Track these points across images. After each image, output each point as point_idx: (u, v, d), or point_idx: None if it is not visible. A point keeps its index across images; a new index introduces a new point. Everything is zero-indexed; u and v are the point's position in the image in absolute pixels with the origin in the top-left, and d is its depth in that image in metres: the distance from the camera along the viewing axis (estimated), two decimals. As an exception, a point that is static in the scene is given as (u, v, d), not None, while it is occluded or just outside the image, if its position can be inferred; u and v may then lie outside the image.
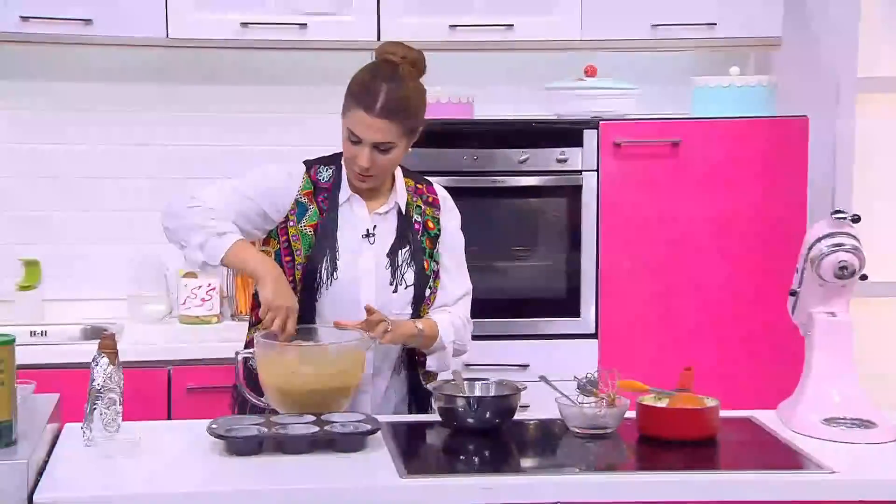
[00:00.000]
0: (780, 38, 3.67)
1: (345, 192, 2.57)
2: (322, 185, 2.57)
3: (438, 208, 2.66)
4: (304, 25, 3.53)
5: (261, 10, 3.52)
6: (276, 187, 2.55)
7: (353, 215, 2.57)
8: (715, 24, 3.64)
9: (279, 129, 3.82)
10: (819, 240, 2.40)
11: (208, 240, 2.44)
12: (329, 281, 2.53)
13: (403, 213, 2.60)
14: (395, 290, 2.56)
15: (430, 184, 2.69)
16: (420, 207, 2.63)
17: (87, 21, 3.42)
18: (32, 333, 3.65)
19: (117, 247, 3.79)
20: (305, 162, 2.60)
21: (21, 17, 3.37)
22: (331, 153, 2.63)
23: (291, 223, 2.55)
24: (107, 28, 3.44)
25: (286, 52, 3.68)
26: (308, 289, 2.52)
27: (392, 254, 2.57)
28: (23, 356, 2.15)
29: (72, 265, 3.79)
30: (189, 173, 3.77)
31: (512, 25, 3.59)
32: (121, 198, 3.80)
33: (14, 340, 2.08)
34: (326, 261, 2.52)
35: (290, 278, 2.52)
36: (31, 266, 3.76)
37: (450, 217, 2.68)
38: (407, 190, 2.63)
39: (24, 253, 3.76)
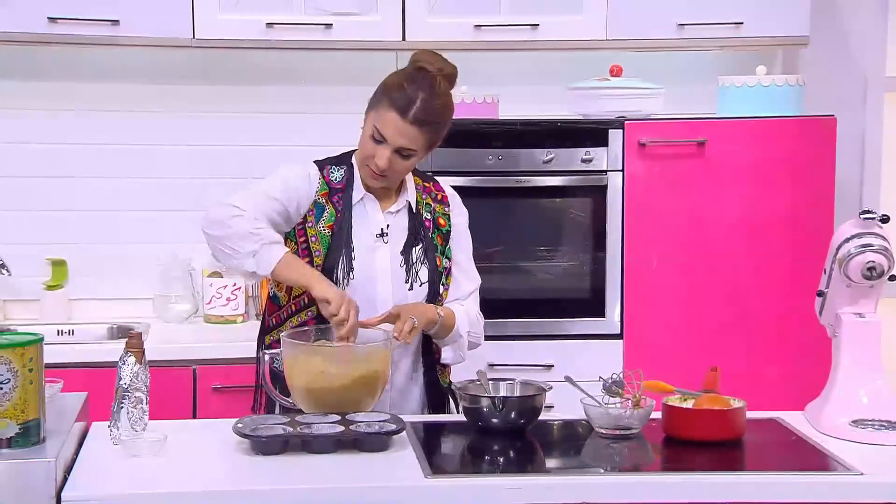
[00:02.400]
0: (807, 38, 3.64)
1: (358, 191, 2.58)
2: (335, 185, 2.58)
3: (448, 205, 2.68)
4: (329, 26, 3.53)
5: (286, 11, 3.53)
6: (298, 189, 2.56)
7: (367, 215, 2.58)
8: (742, 23, 3.61)
9: (304, 128, 3.82)
10: (847, 240, 2.38)
11: (261, 248, 2.45)
12: (346, 280, 2.53)
13: (414, 211, 2.61)
14: (411, 288, 2.57)
15: (437, 181, 2.72)
16: (430, 205, 2.65)
17: (114, 22, 3.44)
18: (59, 332, 3.68)
19: (143, 246, 3.80)
20: (316, 162, 2.61)
21: (49, 18, 3.39)
22: (339, 153, 2.64)
23: (310, 224, 2.56)
24: (133, 29, 3.45)
25: (311, 53, 3.68)
26: None
27: (406, 252, 2.58)
28: (50, 355, 2.16)
29: (98, 265, 3.81)
30: (215, 173, 3.78)
31: (537, 25, 3.58)
32: (147, 198, 3.82)
33: (42, 339, 2.09)
34: (343, 260, 2.53)
35: None
36: (58, 266, 3.79)
37: (459, 214, 2.70)
38: (416, 188, 2.64)
39: (51, 252, 3.79)
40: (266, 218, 2.51)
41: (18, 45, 3.56)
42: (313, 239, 2.55)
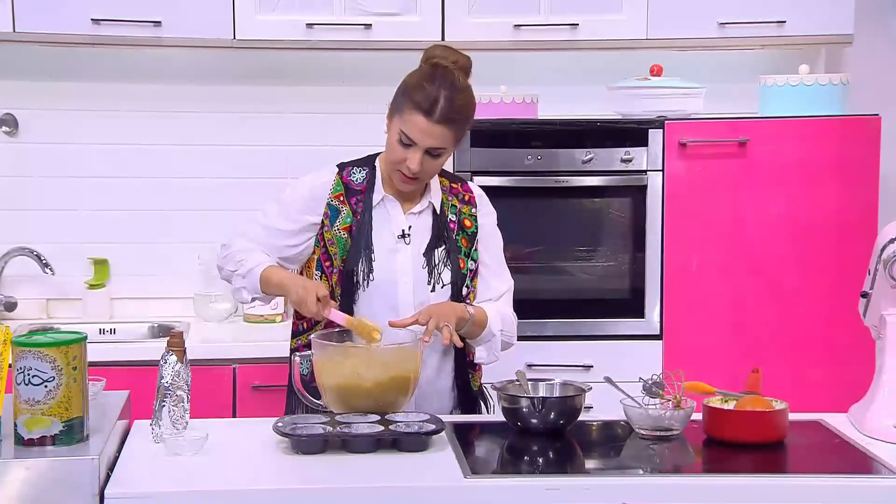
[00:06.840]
0: (851, 36, 3.60)
1: (378, 193, 2.58)
2: (354, 186, 2.58)
3: (475, 206, 2.66)
4: (368, 26, 3.54)
5: (326, 11, 3.54)
6: (309, 198, 2.58)
7: (388, 216, 2.58)
8: (784, 21, 3.58)
9: (344, 128, 3.83)
10: (892, 241, 2.35)
11: (244, 281, 2.57)
12: (366, 282, 2.54)
13: (438, 212, 2.61)
14: (433, 290, 2.56)
15: (465, 182, 2.70)
16: (455, 206, 2.63)
17: (157, 23, 3.47)
18: (101, 331, 3.72)
19: (184, 246, 3.83)
20: (339, 164, 2.63)
21: (92, 19, 3.43)
22: (364, 155, 2.65)
23: (326, 227, 2.57)
24: (175, 30, 3.49)
25: (351, 53, 3.69)
26: (346, 291, 2.54)
27: (428, 253, 2.58)
28: (92, 354, 2.18)
29: (140, 264, 3.85)
30: (255, 173, 3.81)
31: (577, 25, 3.57)
32: (188, 197, 3.85)
33: (86, 338, 2.11)
34: (362, 262, 2.53)
35: (330, 283, 2.54)
36: (100, 265, 3.83)
37: (487, 214, 2.68)
38: (441, 189, 2.64)
39: (93, 252, 3.83)
40: (270, 247, 2.58)
41: (62, 47, 3.60)
42: (330, 242, 2.56)
